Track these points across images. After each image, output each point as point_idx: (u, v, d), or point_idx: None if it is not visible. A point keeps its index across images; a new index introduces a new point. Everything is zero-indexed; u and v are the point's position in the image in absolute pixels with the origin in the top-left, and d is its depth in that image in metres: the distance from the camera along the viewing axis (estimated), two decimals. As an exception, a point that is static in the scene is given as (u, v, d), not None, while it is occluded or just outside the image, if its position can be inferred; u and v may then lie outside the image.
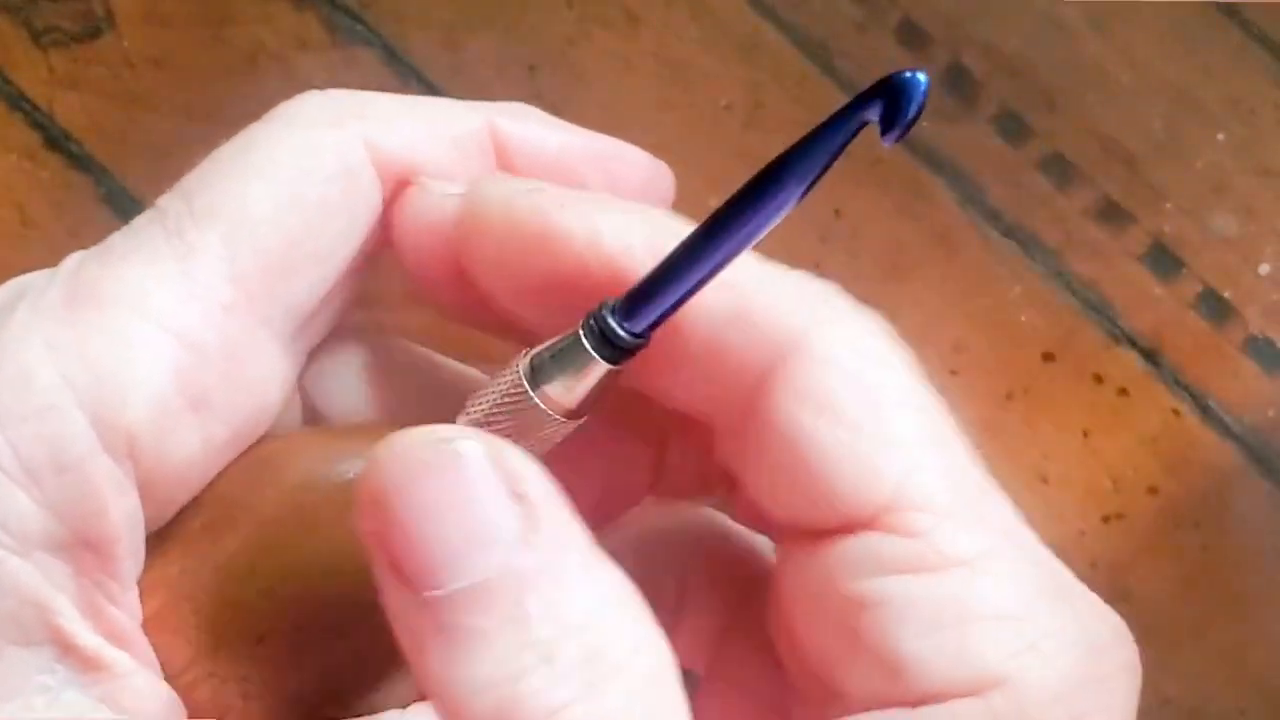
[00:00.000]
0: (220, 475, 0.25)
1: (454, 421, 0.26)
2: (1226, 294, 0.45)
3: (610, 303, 0.24)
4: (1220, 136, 0.46)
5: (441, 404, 0.26)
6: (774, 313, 0.24)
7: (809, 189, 0.22)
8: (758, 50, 0.46)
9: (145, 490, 0.24)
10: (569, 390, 0.25)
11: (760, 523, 0.29)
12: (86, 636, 0.23)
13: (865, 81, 0.46)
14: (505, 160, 0.27)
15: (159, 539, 0.25)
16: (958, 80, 0.46)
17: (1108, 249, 0.46)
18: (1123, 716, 0.24)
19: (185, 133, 0.46)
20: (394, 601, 0.22)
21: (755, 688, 0.29)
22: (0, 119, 0.46)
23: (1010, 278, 0.46)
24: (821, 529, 0.24)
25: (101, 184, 0.45)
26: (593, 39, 0.47)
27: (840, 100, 0.46)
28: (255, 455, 0.26)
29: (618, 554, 0.22)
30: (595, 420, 0.26)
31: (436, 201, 0.26)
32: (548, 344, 0.25)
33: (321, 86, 0.27)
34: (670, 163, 0.48)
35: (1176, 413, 0.45)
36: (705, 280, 0.23)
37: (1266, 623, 0.44)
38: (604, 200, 0.26)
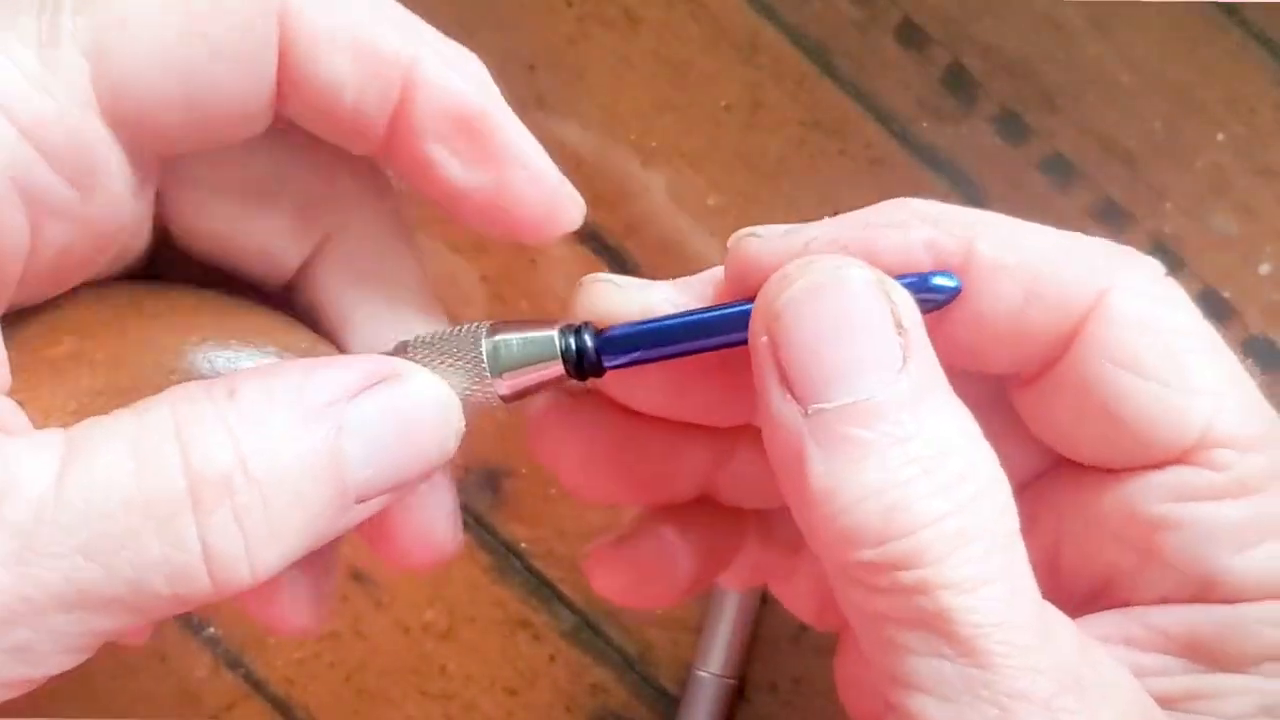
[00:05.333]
0: (83, 303, 0.25)
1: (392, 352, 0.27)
2: (1226, 294, 0.45)
3: (591, 328, 0.26)
4: (1220, 136, 0.45)
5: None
6: (1066, 286, 0.26)
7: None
8: (758, 50, 0.46)
9: None
10: (518, 378, 0.26)
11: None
12: None
13: (865, 81, 0.46)
14: (408, 92, 0.25)
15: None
16: (958, 80, 0.46)
17: (1108, 249, 0.46)
18: None
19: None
20: (776, 411, 0.23)
21: None
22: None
23: (1010, 278, 0.46)
24: (1124, 467, 0.27)
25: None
26: (593, 38, 0.47)
27: (839, 101, 0.46)
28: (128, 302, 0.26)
29: None
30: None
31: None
32: (515, 329, 0.26)
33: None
34: (670, 163, 0.48)
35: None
36: (695, 351, 0.26)
37: None
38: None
